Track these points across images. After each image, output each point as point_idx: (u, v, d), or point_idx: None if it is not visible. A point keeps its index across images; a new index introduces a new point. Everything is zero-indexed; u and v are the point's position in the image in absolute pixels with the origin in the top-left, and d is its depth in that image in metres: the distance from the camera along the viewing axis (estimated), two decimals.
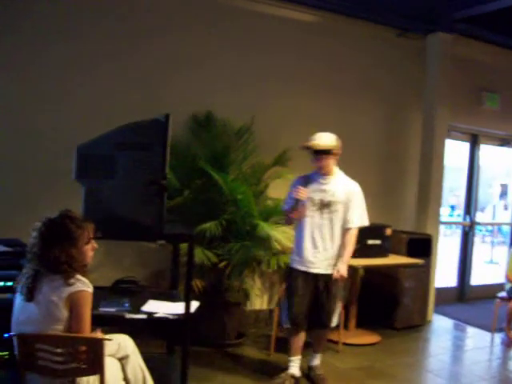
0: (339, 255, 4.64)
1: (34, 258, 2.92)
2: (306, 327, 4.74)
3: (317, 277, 4.62)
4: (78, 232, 2.98)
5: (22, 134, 5.20)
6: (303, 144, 4.57)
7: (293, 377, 4.75)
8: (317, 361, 4.99)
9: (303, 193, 4.48)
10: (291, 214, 4.65)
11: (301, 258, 4.66)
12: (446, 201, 10.41)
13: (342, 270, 4.56)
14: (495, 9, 6.28)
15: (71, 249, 2.94)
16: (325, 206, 4.60)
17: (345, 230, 4.66)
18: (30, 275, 2.90)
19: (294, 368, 4.78)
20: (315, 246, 4.61)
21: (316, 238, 4.61)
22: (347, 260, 4.66)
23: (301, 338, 4.78)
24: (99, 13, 5.52)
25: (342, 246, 4.67)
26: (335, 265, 4.61)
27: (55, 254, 2.88)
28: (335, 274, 4.57)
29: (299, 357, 4.81)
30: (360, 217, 4.69)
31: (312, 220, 4.63)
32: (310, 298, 4.65)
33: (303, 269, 4.64)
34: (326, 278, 4.61)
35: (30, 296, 2.86)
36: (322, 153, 4.55)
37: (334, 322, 4.79)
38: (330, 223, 4.61)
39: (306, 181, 4.67)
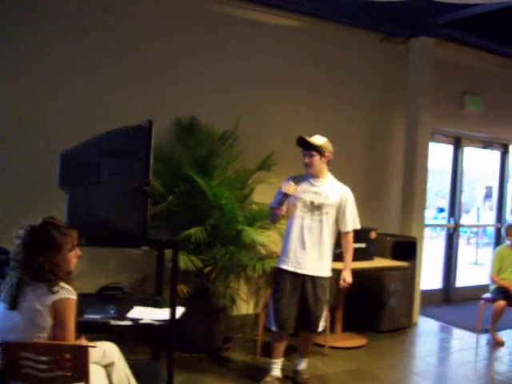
0: (329, 258, 4.68)
1: (18, 266, 2.90)
2: (292, 331, 4.74)
3: (304, 278, 4.62)
4: (62, 239, 2.97)
5: (5, 140, 5.16)
6: (297, 137, 4.61)
7: (278, 379, 4.77)
8: (303, 365, 5.00)
9: (292, 187, 4.49)
10: (277, 209, 4.65)
11: (289, 258, 4.66)
12: (432, 203, 10.48)
13: (348, 278, 4.74)
14: (477, 13, 6.32)
15: (55, 256, 2.93)
16: (316, 207, 4.62)
17: (343, 235, 4.77)
18: (14, 283, 2.88)
19: (277, 370, 4.80)
20: (304, 247, 4.61)
21: (305, 238, 4.62)
22: (350, 266, 4.79)
23: (284, 341, 4.79)
24: (87, 21, 5.51)
25: (344, 251, 4.79)
26: (324, 267, 4.64)
27: (39, 261, 2.86)
28: (342, 283, 4.73)
29: (282, 359, 4.83)
30: (353, 220, 4.78)
31: (302, 221, 4.64)
32: (297, 301, 4.65)
33: (291, 269, 4.64)
34: (314, 281, 4.62)
35: (13, 304, 2.84)
36: (311, 148, 4.59)
37: (321, 326, 4.78)
38: (319, 225, 4.62)
39: (297, 181, 4.68)
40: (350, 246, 4.81)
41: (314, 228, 4.62)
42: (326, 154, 4.65)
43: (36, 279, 2.86)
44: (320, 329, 4.78)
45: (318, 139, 4.65)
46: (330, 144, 4.71)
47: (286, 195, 4.53)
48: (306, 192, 4.66)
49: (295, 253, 4.64)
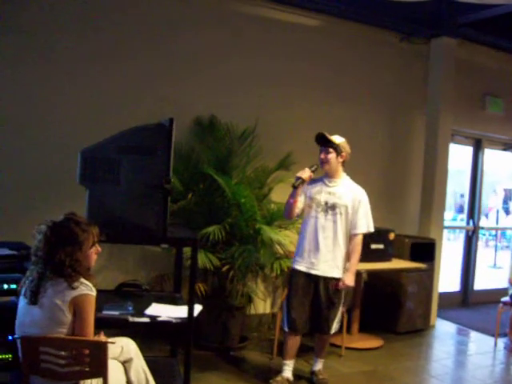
0: (342, 259, 4.64)
1: (39, 261, 2.93)
2: (304, 332, 4.74)
3: (318, 279, 4.60)
4: (84, 236, 2.99)
5: (27, 137, 5.21)
6: (317, 133, 4.61)
7: (288, 380, 4.74)
8: (319, 365, 4.98)
9: (306, 172, 4.49)
10: (291, 197, 4.60)
11: (302, 259, 4.66)
12: (450, 205, 10.42)
13: (348, 281, 4.60)
14: (499, 13, 6.28)
15: (76, 252, 2.95)
16: (330, 207, 4.60)
17: (351, 237, 4.68)
18: (34, 278, 2.91)
19: (288, 371, 4.78)
20: (317, 247, 4.59)
21: (319, 238, 4.60)
22: (354, 269, 4.67)
23: (296, 343, 4.77)
24: (105, 16, 5.53)
25: (349, 253, 4.68)
26: (337, 268, 4.61)
27: (60, 257, 2.89)
28: (341, 286, 4.61)
29: (293, 360, 4.81)
30: (366, 223, 4.69)
31: (316, 221, 4.62)
32: (310, 302, 4.65)
33: (304, 270, 4.63)
34: (327, 282, 4.60)
35: (33, 299, 2.87)
36: (328, 145, 4.60)
37: (334, 328, 4.76)
38: (333, 225, 4.60)
39: (314, 181, 4.70)
40: (357, 248, 4.68)
41: (328, 228, 4.60)
42: (343, 154, 4.64)
43: (57, 274, 2.88)
44: (332, 331, 4.76)
45: (336, 138, 4.65)
46: (347, 145, 4.70)
47: (300, 180, 4.48)
48: (320, 192, 4.66)
49: (309, 253, 4.63)
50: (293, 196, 4.60)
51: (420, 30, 7.15)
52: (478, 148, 8.69)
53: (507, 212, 11.48)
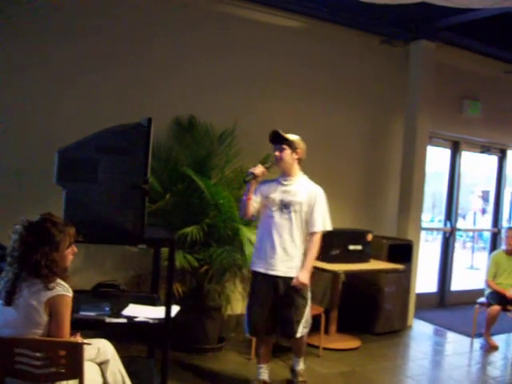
0: (300, 259, 4.53)
1: (15, 262, 2.90)
2: (267, 335, 4.68)
3: (276, 280, 4.49)
4: (60, 236, 2.97)
5: (2, 136, 5.17)
6: (271, 131, 4.55)
7: (264, 382, 4.72)
8: (299, 365, 4.87)
9: (259, 168, 4.43)
10: (244, 194, 4.55)
11: (260, 260, 4.57)
12: (428, 207, 10.50)
13: (302, 278, 4.43)
14: (478, 17, 6.34)
15: (52, 253, 2.92)
16: (284, 206, 4.51)
17: (309, 235, 4.57)
18: (10, 279, 2.88)
19: (264, 374, 4.74)
20: (273, 247, 4.49)
21: (275, 238, 4.50)
22: (309, 267, 4.52)
23: (267, 346, 4.74)
24: (87, 20, 5.51)
25: (305, 251, 4.57)
26: (295, 268, 4.49)
27: (36, 257, 2.86)
28: (294, 282, 4.44)
29: (268, 364, 4.77)
30: (322, 221, 4.56)
31: (271, 220, 4.54)
32: (271, 304, 4.54)
33: (262, 270, 4.54)
34: (286, 283, 4.47)
35: (8, 300, 2.84)
36: (282, 142, 4.52)
37: (301, 332, 4.54)
38: (289, 223, 4.50)
39: (269, 182, 4.65)
40: (313, 246, 4.53)
41: (284, 227, 4.50)
42: (298, 151, 4.55)
43: (32, 275, 2.86)
44: (299, 334, 4.54)
45: (290, 135, 4.57)
46: (302, 142, 4.61)
47: (252, 175, 4.41)
48: (275, 191, 4.57)
49: (266, 254, 4.53)
50: (246, 193, 4.53)
51: (399, 33, 7.20)
52: (455, 150, 8.77)
53: (483, 213, 11.60)
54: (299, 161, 4.61)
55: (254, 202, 4.57)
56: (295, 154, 4.55)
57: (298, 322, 4.51)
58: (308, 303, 4.60)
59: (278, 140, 4.55)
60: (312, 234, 4.56)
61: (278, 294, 4.51)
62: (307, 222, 4.56)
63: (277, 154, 4.56)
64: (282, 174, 4.65)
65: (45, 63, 5.33)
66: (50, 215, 3.03)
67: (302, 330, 4.54)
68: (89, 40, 5.52)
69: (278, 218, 4.52)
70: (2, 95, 5.18)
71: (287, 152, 4.52)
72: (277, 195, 4.55)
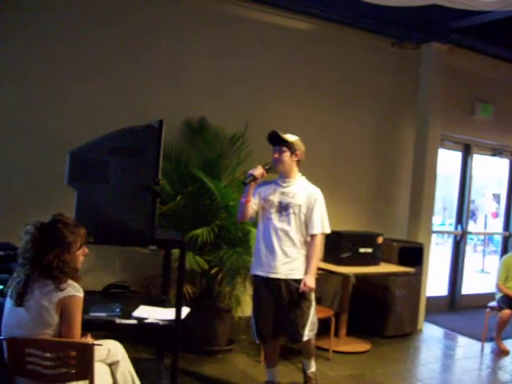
0: (301, 261, 4.46)
1: (26, 263, 2.91)
2: (274, 340, 4.62)
3: (278, 283, 4.42)
4: (72, 237, 2.98)
5: (13, 137, 5.21)
6: (269, 132, 4.49)
7: None
8: (311, 367, 4.77)
9: (258, 169, 4.37)
10: (243, 196, 4.48)
11: (260, 264, 4.50)
12: (439, 210, 10.47)
13: (309, 282, 4.37)
14: (490, 20, 6.31)
15: (64, 254, 2.94)
16: (283, 208, 4.45)
17: (310, 238, 4.51)
18: (21, 280, 2.89)
19: (272, 377, 4.70)
20: (273, 250, 4.43)
21: (274, 240, 4.43)
22: (313, 270, 4.46)
23: (274, 350, 4.69)
24: (94, 20, 5.54)
25: (308, 255, 4.50)
26: (297, 270, 4.43)
27: (48, 258, 2.87)
28: (302, 287, 4.38)
29: (275, 367, 4.73)
30: (321, 223, 4.50)
31: (270, 223, 4.47)
32: (274, 309, 4.48)
33: (263, 274, 4.48)
34: (289, 285, 4.41)
35: (19, 301, 2.85)
36: (281, 144, 4.46)
37: (307, 335, 4.47)
38: (288, 225, 4.43)
39: (268, 183, 4.59)
40: (314, 249, 4.47)
41: (283, 229, 4.42)
42: (297, 153, 4.47)
43: (44, 276, 2.87)
44: (305, 338, 4.47)
45: (290, 136, 4.50)
46: (302, 144, 4.54)
47: (252, 177, 4.36)
48: (273, 193, 4.50)
49: (266, 257, 4.46)
50: (245, 195, 4.47)
51: (411, 35, 7.18)
52: (466, 153, 8.73)
53: (496, 216, 11.55)
54: (298, 162, 4.54)
55: (253, 204, 4.52)
56: (294, 156, 4.48)
57: (304, 326, 4.45)
58: (312, 305, 4.54)
59: (277, 141, 4.49)
60: (312, 236, 4.50)
61: (280, 298, 4.45)
62: (306, 224, 4.49)
63: (276, 156, 4.49)
64: (280, 176, 4.58)
65: (55, 65, 5.36)
66: (62, 216, 3.04)
67: (308, 334, 4.48)
68: (100, 41, 5.56)
69: (277, 220, 4.46)
70: (11, 96, 5.21)
71: (286, 154, 4.46)
72: (275, 197, 4.49)
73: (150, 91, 5.75)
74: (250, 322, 4.71)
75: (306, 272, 4.45)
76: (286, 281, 4.43)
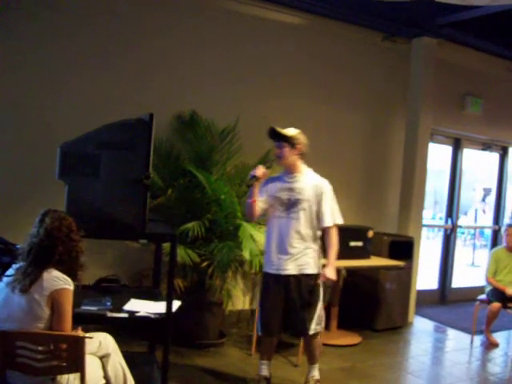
0: (312, 256, 4.46)
1: (35, 254, 2.96)
2: (278, 335, 4.64)
3: (288, 279, 4.41)
4: (79, 233, 3.10)
5: (3, 131, 5.19)
6: (268, 128, 4.45)
7: (265, 378, 4.68)
8: (312, 373, 4.72)
9: (261, 169, 4.35)
10: (248, 197, 4.45)
11: (271, 261, 4.48)
12: (429, 204, 10.51)
13: (329, 274, 4.37)
14: (480, 15, 6.33)
15: (75, 246, 3.08)
16: (292, 204, 4.42)
17: (323, 231, 4.51)
18: (23, 271, 2.93)
19: (265, 370, 4.69)
20: (284, 247, 4.41)
21: (284, 238, 4.41)
22: (333, 262, 4.45)
23: (272, 345, 4.68)
24: (87, 15, 5.52)
25: (326, 248, 4.50)
26: (308, 265, 4.43)
27: (59, 250, 2.98)
28: (322, 279, 4.40)
29: (269, 361, 4.72)
30: (332, 214, 4.47)
31: (279, 220, 4.46)
32: (282, 304, 4.46)
33: (273, 272, 4.46)
34: (299, 281, 4.40)
35: (24, 289, 2.88)
36: (280, 139, 4.42)
37: (313, 329, 4.47)
38: (297, 222, 4.40)
39: (274, 180, 4.55)
40: (333, 241, 4.47)
41: (292, 226, 4.40)
42: (298, 146, 4.42)
43: (53, 268, 2.94)
44: (311, 332, 4.46)
45: (289, 130, 4.46)
46: (303, 136, 4.48)
47: (255, 178, 4.33)
48: (281, 190, 4.46)
49: (276, 254, 4.44)
50: (250, 196, 4.45)
51: (401, 29, 7.20)
52: (457, 147, 8.77)
53: (484, 211, 11.62)
54: (301, 155, 4.49)
55: (260, 203, 4.48)
56: (295, 149, 4.42)
57: (311, 320, 4.45)
58: (320, 299, 4.53)
59: (276, 137, 4.45)
60: (325, 229, 4.49)
61: (289, 294, 4.43)
62: (318, 218, 4.47)
63: (276, 151, 4.47)
64: (285, 171, 4.55)
65: (45, 59, 5.34)
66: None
67: (314, 327, 4.47)
68: (89, 35, 5.53)
69: (286, 217, 4.44)
70: (0, 89, 5.20)
71: (286, 149, 4.41)
72: (283, 194, 4.45)
73: (141, 85, 5.73)
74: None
75: (327, 265, 4.45)
76: (297, 276, 4.41)
